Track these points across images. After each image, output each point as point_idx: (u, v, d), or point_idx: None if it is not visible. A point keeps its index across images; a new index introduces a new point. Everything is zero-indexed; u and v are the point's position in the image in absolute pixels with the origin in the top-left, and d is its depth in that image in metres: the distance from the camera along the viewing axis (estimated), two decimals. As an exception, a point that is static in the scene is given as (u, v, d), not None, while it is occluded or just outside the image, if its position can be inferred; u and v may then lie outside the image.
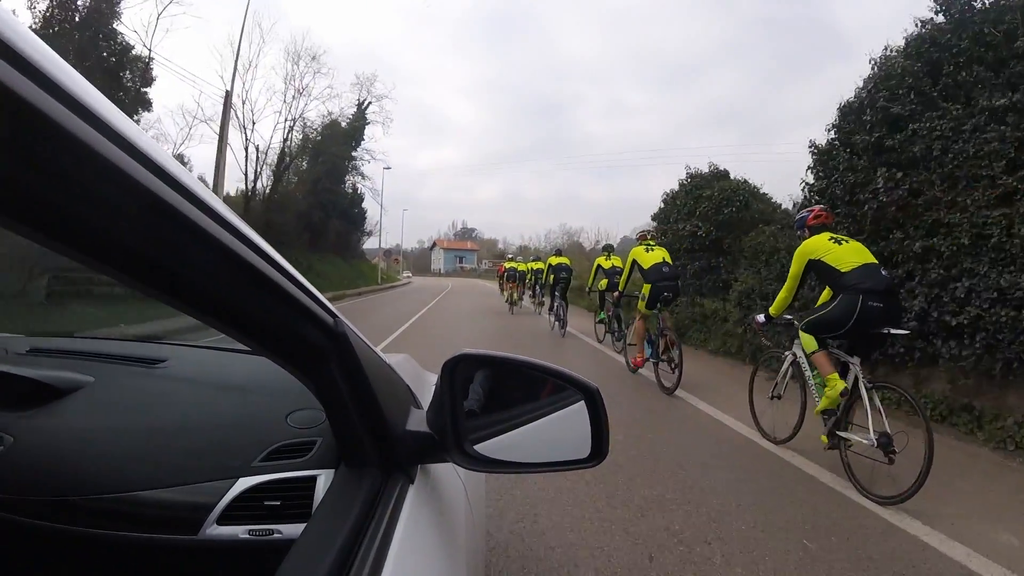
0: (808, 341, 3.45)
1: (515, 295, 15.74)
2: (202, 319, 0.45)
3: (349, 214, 31.00)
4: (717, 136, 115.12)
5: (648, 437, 4.01)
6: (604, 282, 8.31)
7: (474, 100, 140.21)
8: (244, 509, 0.87)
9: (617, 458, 3.42)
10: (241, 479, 0.87)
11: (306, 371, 0.64)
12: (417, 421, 0.81)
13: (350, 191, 31.02)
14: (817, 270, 3.48)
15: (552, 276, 10.89)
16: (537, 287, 14.41)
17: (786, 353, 3.94)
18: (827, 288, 3.78)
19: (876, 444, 2.96)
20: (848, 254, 3.36)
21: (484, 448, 0.75)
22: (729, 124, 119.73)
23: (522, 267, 16.37)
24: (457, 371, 0.76)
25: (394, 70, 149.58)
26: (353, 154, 29.24)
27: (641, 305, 5.92)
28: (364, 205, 32.94)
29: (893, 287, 3.21)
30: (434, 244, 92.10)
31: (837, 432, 3.30)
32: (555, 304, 10.66)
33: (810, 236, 3.59)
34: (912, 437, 2.87)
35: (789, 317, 3.87)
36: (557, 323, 10.48)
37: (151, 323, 1.82)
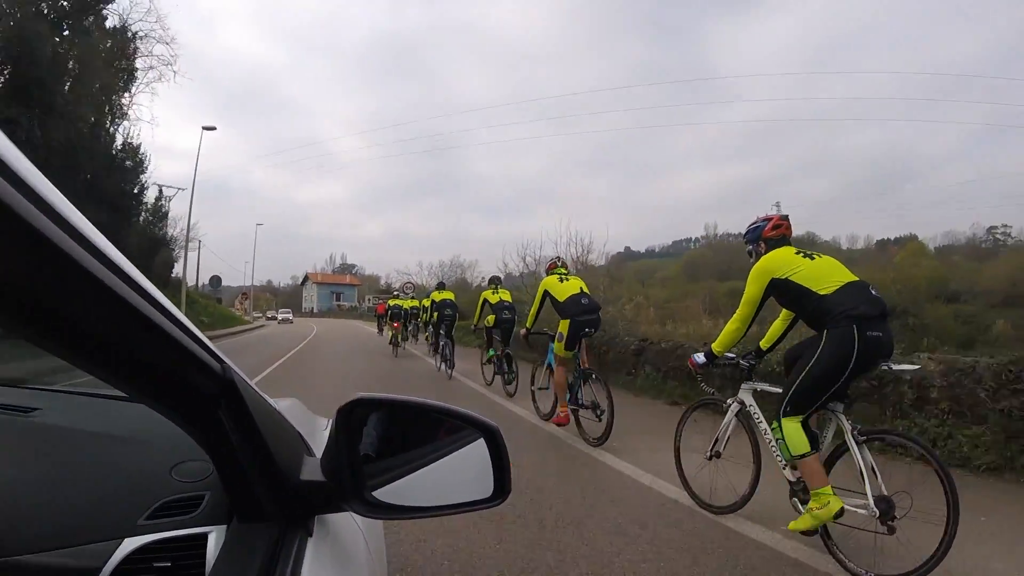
0: (795, 436, 2.62)
1: (399, 335, 14.51)
2: (74, 362, 0.43)
3: (119, 200, 20.13)
4: (600, 176, 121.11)
5: (557, 512, 3.21)
6: (492, 318, 7.63)
7: (361, 135, 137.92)
8: (132, 573, 0.77)
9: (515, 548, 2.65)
10: (127, 539, 0.77)
11: (191, 420, 0.62)
12: (311, 469, 0.77)
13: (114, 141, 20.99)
14: (783, 292, 2.84)
15: (436, 313, 10.00)
16: (428, 326, 13.35)
17: (730, 400, 3.32)
18: (780, 318, 3.27)
19: (876, 513, 2.38)
20: (825, 271, 2.76)
21: (384, 494, 0.74)
22: (610, 166, 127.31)
23: (407, 304, 15.35)
24: (353, 416, 0.73)
25: (280, 100, 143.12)
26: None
27: (559, 347, 5.11)
28: (168, 206, 24.72)
29: (887, 310, 2.66)
30: (306, 278, 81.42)
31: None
32: (441, 344, 9.74)
33: (768, 251, 2.98)
34: (916, 496, 2.33)
35: (732, 356, 3.26)
36: (444, 364, 9.56)
37: (16, 364, 1.57)
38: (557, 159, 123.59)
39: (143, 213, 23.70)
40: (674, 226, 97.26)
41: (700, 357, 3.31)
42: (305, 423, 1.09)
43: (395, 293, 19.62)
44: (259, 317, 48.62)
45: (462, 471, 0.79)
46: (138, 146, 22.34)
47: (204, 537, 0.79)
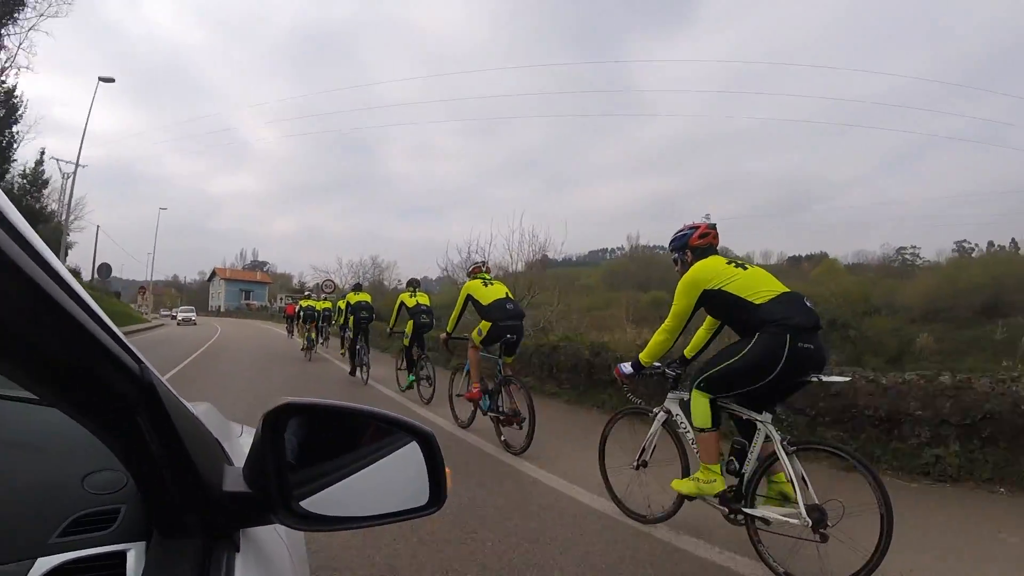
0: (702, 411, 2.74)
1: (313, 337, 13.66)
2: None
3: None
4: (519, 184, 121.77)
5: (474, 526, 2.96)
6: (410, 324, 7.26)
7: (279, 127, 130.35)
8: None
9: None
10: (40, 559, 0.68)
11: (106, 426, 0.57)
12: (234, 480, 0.72)
13: None
14: (715, 303, 2.79)
15: (351, 316, 9.41)
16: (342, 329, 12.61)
17: (656, 409, 3.23)
18: (704, 327, 3.21)
19: (808, 522, 2.34)
20: (759, 281, 2.71)
21: (313, 504, 0.69)
22: (528, 174, 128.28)
23: (320, 305, 14.52)
24: (279, 423, 0.67)
25: (197, 85, 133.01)
26: None
27: (476, 337, 4.96)
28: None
29: (819, 323, 2.63)
30: (213, 274, 73.52)
31: (744, 510, 2.62)
32: (356, 348, 9.24)
33: (696, 259, 2.91)
34: (848, 504, 2.30)
35: (658, 366, 3.16)
36: (359, 369, 9.13)
37: None
38: (477, 163, 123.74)
39: (15, 177, 19.94)
40: (589, 236, 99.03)
41: (627, 367, 3.20)
42: (221, 430, 1.03)
43: (307, 293, 18.21)
44: (164, 316, 43.04)
45: (394, 478, 0.77)
46: (12, 88, 18.33)
47: (123, 555, 0.71)
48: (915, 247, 37.27)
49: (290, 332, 22.41)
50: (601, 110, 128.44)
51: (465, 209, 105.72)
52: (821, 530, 2.34)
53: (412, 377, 7.27)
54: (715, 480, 2.69)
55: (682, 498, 2.97)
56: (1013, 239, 36.67)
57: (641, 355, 3.11)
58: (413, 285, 7.74)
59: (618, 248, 66.08)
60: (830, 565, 2.30)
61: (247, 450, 1.01)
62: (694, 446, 2.89)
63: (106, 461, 0.79)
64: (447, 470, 0.79)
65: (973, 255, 36.22)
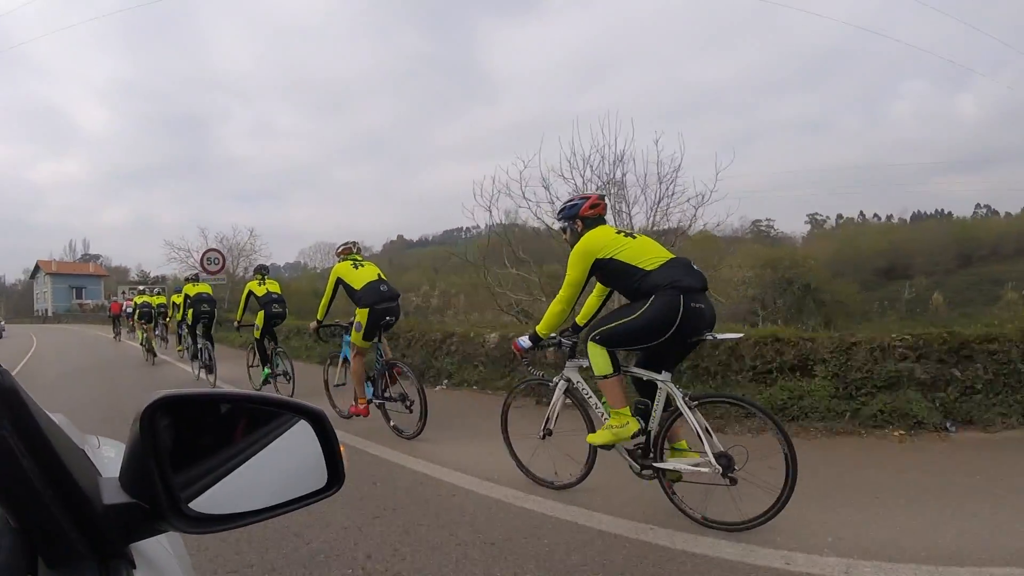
0: (601, 360, 2.79)
1: (151, 338, 11.82)
2: None
3: None
4: (366, 165, 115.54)
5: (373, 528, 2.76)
6: (260, 314, 6.62)
7: (102, 104, 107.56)
8: None
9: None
10: None
11: None
12: (112, 491, 0.63)
13: None
14: (608, 272, 2.85)
15: (191, 311, 8.02)
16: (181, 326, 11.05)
17: (556, 379, 3.26)
18: (594, 294, 3.28)
19: (718, 470, 2.51)
20: (647, 249, 2.83)
21: (203, 504, 0.64)
22: (376, 155, 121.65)
23: (156, 301, 12.68)
24: (156, 420, 0.61)
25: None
26: None
27: (357, 337, 4.61)
28: None
29: (707, 285, 2.78)
30: (36, 269, 57.64)
31: (655, 465, 2.75)
32: (199, 347, 8.00)
33: (586, 229, 2.95)
34: (752, 448, 2.52)
35: (554, 336, 3.17)
36: (203, 371, 7.91)
37: None
38: (321, 144, 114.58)
39: None
40: (440, 217, 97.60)
41: (525, 341, 3.18)
42: (80, 442, 0.92)
43: (141, 289, 15.36)
44: None
45: (286, 464, 0.74)
46: None
47: None
48: (769, 219, 38.98)
49: (116, 334, 19.50)
50: (448, 93, 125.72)
51: (308, 191, 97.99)
52: (730, 475, 2.51)
53: (267, 371, 6.67)
54: (628, 423, 2.76)
55: (592, 460, 3.06)
56: (861, 212, 41.73)
57: (538, 327, 3.10)
58: (261, 272, 7.02)
59: (473, 227, 65.93)
60: (743, 506, 2.47)
61: (108, 462, 0.94)
62: (599, 411, 2.97)
63: None
64: (341, 447, 0.75)
65: (825, 227, 40.25)
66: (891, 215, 40.23)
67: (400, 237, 60.62)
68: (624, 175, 7.74)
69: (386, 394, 4.61)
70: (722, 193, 7.33)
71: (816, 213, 42.52)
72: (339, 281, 4.73)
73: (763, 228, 37.88)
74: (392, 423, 4.58)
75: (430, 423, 4.38)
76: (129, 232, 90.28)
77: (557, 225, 3.19)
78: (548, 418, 3.25)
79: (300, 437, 0.74)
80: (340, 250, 5.08)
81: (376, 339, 4.67)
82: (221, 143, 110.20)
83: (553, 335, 3.15)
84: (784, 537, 2.44)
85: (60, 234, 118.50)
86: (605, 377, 2.79)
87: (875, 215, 41.60)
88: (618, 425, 2.79)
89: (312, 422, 0.75)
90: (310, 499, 0.73)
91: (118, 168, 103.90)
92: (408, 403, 4.44)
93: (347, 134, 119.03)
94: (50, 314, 50.77)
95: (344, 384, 5.22)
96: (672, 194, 7.50)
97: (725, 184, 7.29)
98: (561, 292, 2.97)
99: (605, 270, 2.86)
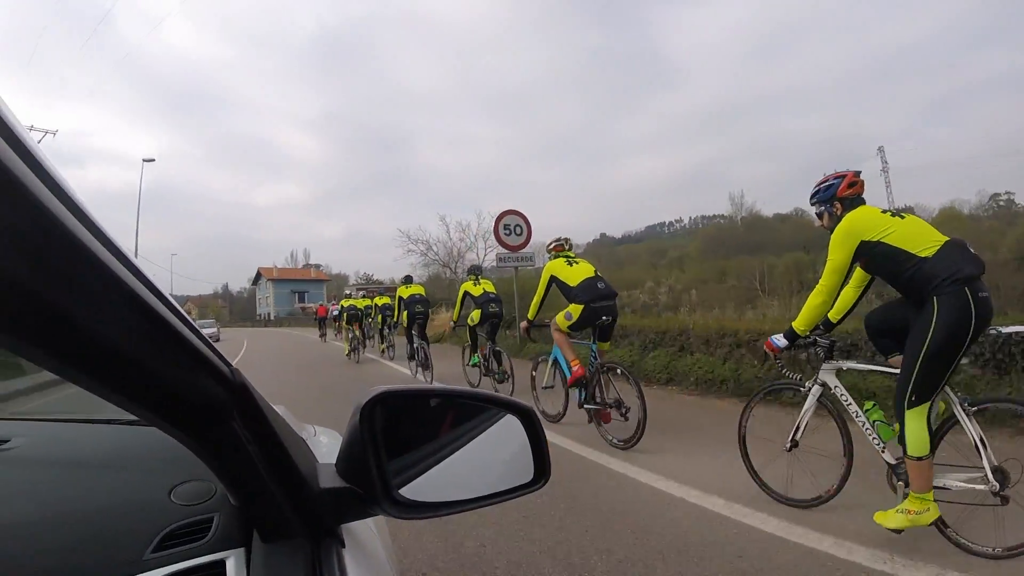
0: (920, 433, 2.42)
1: (358, 337, 13.19)
2: (71, 372, 0.36)
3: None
4: (555, 166, 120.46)
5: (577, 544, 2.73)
6: (477, 313, 6.73)
7: (313, 134, 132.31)
8: None
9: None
10: None
11: (198, 434, 0.54)
12: (329, 476, 0.70)
13: None
14: (875, 257, 2.59)
15: (405, 312, 8.58)
16: (387, 329, 12.13)
17: (808, 384, 2.99)
18: (851, 285, 2.99)
19: (996, 486, 2.25)
20: (920, 230, 2.53)
21: (412, 491, 0.68)
22: (563, 155, 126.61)
23: (362, 304, 14.06)
24: (375, 413, 0.67)
25: (224, 99, 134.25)
26: None
27: (563, 321, 4.54)
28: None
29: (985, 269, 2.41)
30: (258, 276, 62.46)
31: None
32: (415, 347, 8.49)
33: (846, 211, 2.69)
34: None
35: (811, 336, 2.90)
36: (420, 369, 8.38)
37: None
38: (509, 150, 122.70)
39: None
40: (634, 212, 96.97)
41: (780, 339, 2.95)
42: (299, 429, 1.02)
43: (347, 293, 16.76)
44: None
45: (493, 457, 0.77)
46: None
47: (222, 564, 0.69)
48: (1010, 192, 32.45)
49: (322, 335, 21.96)
50: (629, 84, 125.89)
51: (501, 196, 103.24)
52: (1002, 492, 2.21)
53: (476, 358, 6.90)
54: (929, 509, 2.35)
55: (843, 482, 2.79)
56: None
57: (795, 323, 2.85)
58: (475, 272, 7.22)
59: (676, 221, 64.32)
60: (1008, 531, 2.16)
61: (325, 449, 1.01)
62: (859, 419, 2.73)
63: (190, 472, 0.79)
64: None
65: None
66: None
67: (603, 235, 61.56)
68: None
69: (599, 399, 4.41)
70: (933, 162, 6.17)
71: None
72: (552, 279, 4.64)
73: (1002, 202, 31.75)
74: (603, 431, 4.35)
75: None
76: (343, 243, 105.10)
77: (813, 210, 2.91)
78: (796, 427, 2.99)
79: (507, 432, 0.76)
80: (552, 247, 4.99)
81: (592, 341, 4.60)
82: (417, 158, 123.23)
83: (808, 334, 2.90)
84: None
85: (283, 247, 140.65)
86: (920, 459, 2.35)
87: None
88: (917, 511, 2.36)
89: (521, 418, 0.77)
90: (516, 492, 0.75)
91: (329, 188, 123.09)
92: (624, 410, 4.24)
93: (530, 138, 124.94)
94: (272, 318, 54.76)
95: (552, 386, 5.12)
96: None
97: (934, 152, 6.12)
98: (822, 281, 2.69)
99: (871, 255, 2.55)
